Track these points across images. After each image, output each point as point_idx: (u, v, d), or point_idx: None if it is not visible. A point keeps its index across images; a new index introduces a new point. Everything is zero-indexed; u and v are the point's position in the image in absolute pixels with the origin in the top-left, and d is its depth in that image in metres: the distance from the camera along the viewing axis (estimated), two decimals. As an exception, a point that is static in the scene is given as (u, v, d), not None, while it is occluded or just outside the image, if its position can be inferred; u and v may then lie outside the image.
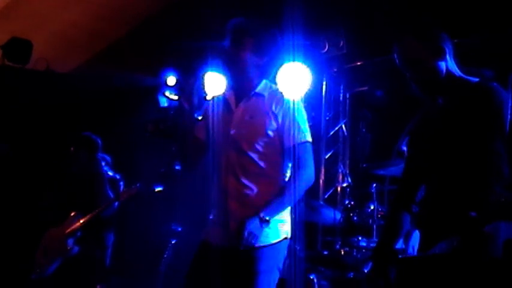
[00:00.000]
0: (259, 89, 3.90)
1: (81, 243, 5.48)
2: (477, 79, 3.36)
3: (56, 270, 5.45)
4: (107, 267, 5.73)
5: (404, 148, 5.84)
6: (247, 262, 3.70)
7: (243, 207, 3.75)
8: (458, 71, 3.39)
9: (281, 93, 3.89)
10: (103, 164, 5.83)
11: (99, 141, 5.86)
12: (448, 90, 3.34)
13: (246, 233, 3.60)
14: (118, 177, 5.78)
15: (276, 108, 3.83)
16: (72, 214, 5.52)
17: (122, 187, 5.76)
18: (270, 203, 3.72)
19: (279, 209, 3.76)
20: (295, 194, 3.79)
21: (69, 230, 5.45)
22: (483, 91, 3.24)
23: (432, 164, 3.34)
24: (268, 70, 3.97)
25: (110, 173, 5.81)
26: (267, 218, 3.66)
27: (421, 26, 3.49)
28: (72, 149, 5.79)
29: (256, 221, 3.65)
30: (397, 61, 3.41)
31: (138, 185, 5.67)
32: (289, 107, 3.83)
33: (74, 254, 5.43)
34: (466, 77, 3.38)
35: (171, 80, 7.00)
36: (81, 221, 5.48)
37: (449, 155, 3.27)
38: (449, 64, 3.35)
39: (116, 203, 5.68)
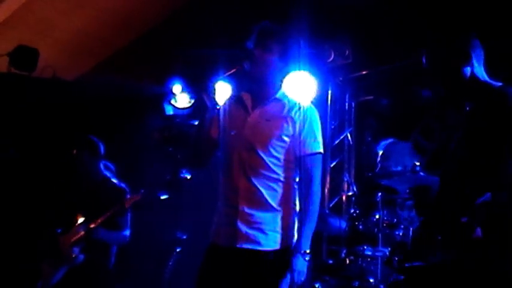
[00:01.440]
0: (279, 95, 3.92)
1: (87, 252, 5.47)
2: (500, 83, 3.39)
3: (61, 278, 5.44)
4: (112, 275, 5.72)
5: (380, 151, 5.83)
6: (261, 265, 3.74)
7: (253, 206, 3.78)
8: (485, 76, 3.43)
9: (301, 102, 3.91)
10: (106, 171, 5.83)
11: (102, 146, 5.84)
12: (471, 96, 3.39)
13: (295, 275, 3.67)
14: (124, 186, 5.76)
15: (295, 114, 3.85)
16: (78, 222, 5.51)
17: (127, 196, 5.75)
18: (302, 233, 3.76)
19: (311, 233, 3.81)
20: (314, 211, 3.83)
21: (74, 238, 5.44)
22: (499, 96, 3.27)
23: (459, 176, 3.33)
24: (285, 74, 3.99)
25: (114, 180, 5.79)
26: (307, 251, 3.72)
27: (450, 31, 3.53)
28: (74, 151, 5.77)
29: (300, 259, 3.70)
30: (424, 64, 3.43)
31: (142, 191, 5.65)
32: (307, 115, 3.87)
33: (79, 262, 5.42)
34: (490, 81, 3.41)
35: (177, 88, 6.99)
36: (88, 227, 5.47)
37: (471, 166, 3.28)
38: (475, 69, 3.39)
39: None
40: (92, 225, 5.45)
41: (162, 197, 6.71)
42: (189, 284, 4.05)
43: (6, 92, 6.67)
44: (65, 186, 5.89)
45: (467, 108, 3.43)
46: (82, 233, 5.46)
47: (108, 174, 5.83)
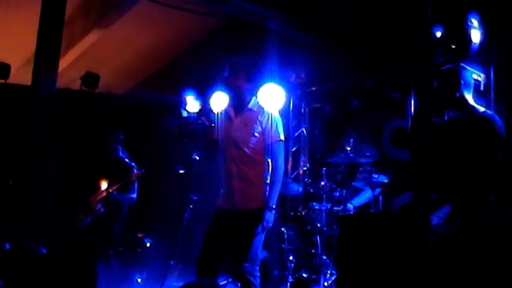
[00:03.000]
0: (250, 105, 4.01)
1: (106, 207, 5.68)
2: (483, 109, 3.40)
3: (89, 223, 5.69)
4: (122, 225, 5.92)
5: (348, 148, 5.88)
6: (250, 218, 3.89)
7: (243, 184, 3.91)
8: (472, 101, 3.47)
9: (265, 108, 3.99)
10: (122, 154, 6.02)
11: (121, 134, 6.01)
12: (459, 111, 3.48)
13: (265, 223, 3.81)
14: (133, 164, 5.93)
15: (261, 117, 3.96)
16: (102, 187, 5.72)
17: (135, 171, 5.97)
18: (270, 196, 3.86)
19: (276, 195, 3.91)
20: (279, 180, 3.94)
21: (99, 197, 5.68)
22: (484, 120, 3.29)
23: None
24: (255, 90, 4.05)
25: (127, 160, 5.98)
26: (274, 206, 3.87)
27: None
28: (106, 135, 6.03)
29: (269, 212, 3.82)
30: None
31: (143, 170, 5.82)
32: (269, 117, 3.95)
33: (101, 213, 5.67)
34: (475, 106, 3.44)
35: (190, 98, 7.05)
36: (108, 191, 5.70)
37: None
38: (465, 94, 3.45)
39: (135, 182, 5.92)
40: (110, 190, 5.67)
41: (180, 171, 6.89)
42: (199, 229, 4.18)
43: (79, 103, 6.84)
44: (97, 163, 6.01)
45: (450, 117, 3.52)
46: (104, 194, 5.67)
47: (123, 156, 6.02)
